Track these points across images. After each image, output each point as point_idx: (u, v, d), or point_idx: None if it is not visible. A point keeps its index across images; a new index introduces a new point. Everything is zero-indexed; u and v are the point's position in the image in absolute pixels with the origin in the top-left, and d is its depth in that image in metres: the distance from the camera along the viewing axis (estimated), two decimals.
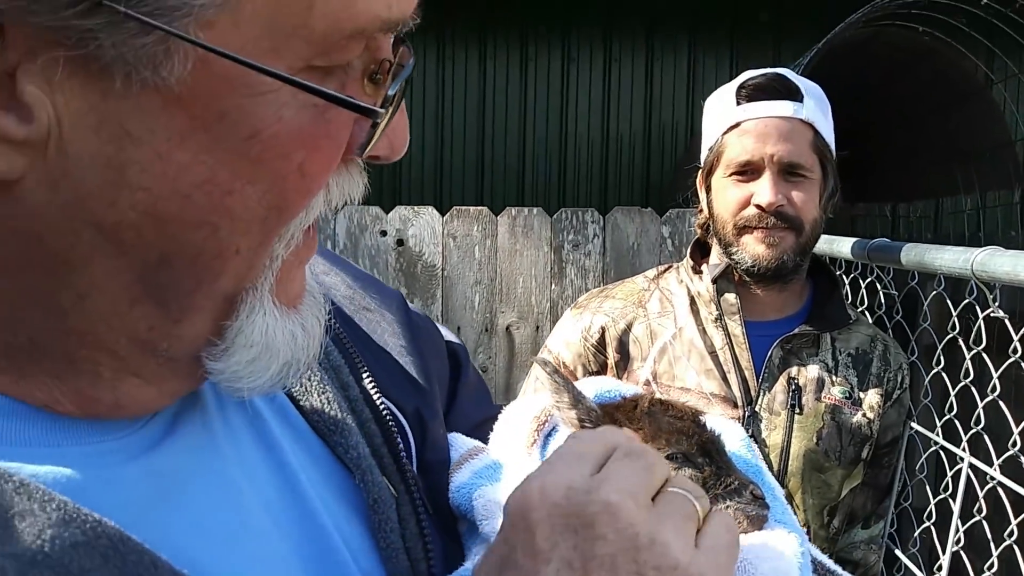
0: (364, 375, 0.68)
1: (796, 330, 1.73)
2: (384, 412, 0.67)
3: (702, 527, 0.53)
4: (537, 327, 3.27)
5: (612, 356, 1.76)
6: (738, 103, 1.72)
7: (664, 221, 3.25)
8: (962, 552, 1.65)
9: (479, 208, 3.17)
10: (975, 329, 1.59)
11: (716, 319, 1.75)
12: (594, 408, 0.77)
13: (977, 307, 1.58)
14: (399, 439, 0.67)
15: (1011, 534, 1.49)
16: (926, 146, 5.16)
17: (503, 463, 0.74)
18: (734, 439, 0.76)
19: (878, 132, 5.10)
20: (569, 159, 6.95)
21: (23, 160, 0.40)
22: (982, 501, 1.57)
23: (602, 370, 1.76)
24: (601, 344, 1.78)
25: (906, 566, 1.86)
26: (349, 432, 0.63)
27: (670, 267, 1.91)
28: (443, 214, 3.10)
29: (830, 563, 0.76)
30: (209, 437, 0.55)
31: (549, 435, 0.76)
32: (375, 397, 0.67)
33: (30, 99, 0.39)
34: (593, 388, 0.81)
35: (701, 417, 0.74)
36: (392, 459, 0.65)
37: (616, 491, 0.50)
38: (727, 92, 1.75)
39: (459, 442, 0.78)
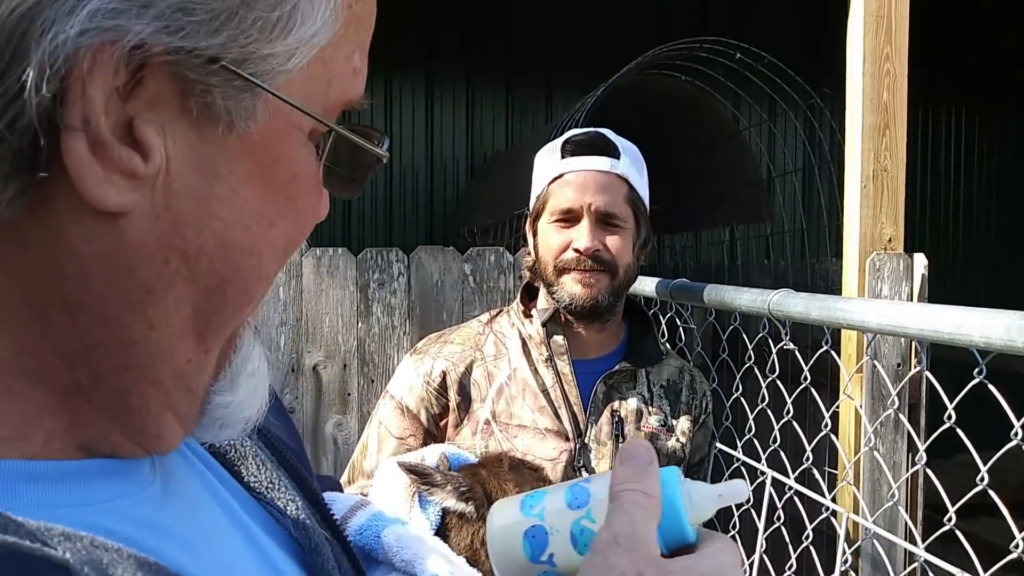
0: (271, 440, 0.73)
1: (616, 367, 1.90)
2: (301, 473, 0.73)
3: None
4: (344, 365, 3.29)
5: (453, 399, 1.85)
6: (562, 156, 1.87)
7: (466, 259, 3.36)
8: (765, 556, 1.87)
9: None
10: (770, 360, 1.82)
11: (547, 359, 1.88)
12: (460, 478, 0.90)
13: (770, 340, 1.81)
14: (317, 491, 0.73)
15: (807, 537, 1.72)
16: (689, 183, 5.63)
17: (392, 512, 0.84)
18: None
19: (649, 170, 5.51)
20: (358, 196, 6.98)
21: (136, 195, 0.44)
22: (781, 510, 1.80)
23: (444, 412, 1.85)
24: (443, 387, 1.86)
25: None
26: (286, 488, 0.68)
27: (501, 311, 2.02)
28: None
29: None
30: (178, 477, 0.57)
31: (420, 497, 0.88)
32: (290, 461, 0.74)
33: (149, 140, 0.43)
34: (438, 453, 0.94)
35: (544, 471, 0.92)
36: (318, 510, 0.72)
37: None
38: (554, 147, 1.90)
39: (339, 498, 0.86)
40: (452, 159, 7.37)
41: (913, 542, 1.50)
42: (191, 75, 0.43)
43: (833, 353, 1.68)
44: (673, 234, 7.12)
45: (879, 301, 1.44)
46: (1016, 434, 1.16)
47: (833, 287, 3.42)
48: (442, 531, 0.91)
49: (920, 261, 2.22)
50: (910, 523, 1.64)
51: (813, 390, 1.64)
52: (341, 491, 0.92)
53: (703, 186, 5.63)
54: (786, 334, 1.72)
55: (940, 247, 8.46)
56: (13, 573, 0.37)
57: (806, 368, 1.68)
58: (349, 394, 3.28)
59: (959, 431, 1.30)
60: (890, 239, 2.40)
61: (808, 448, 1.68)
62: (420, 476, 0.87)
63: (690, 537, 0.65)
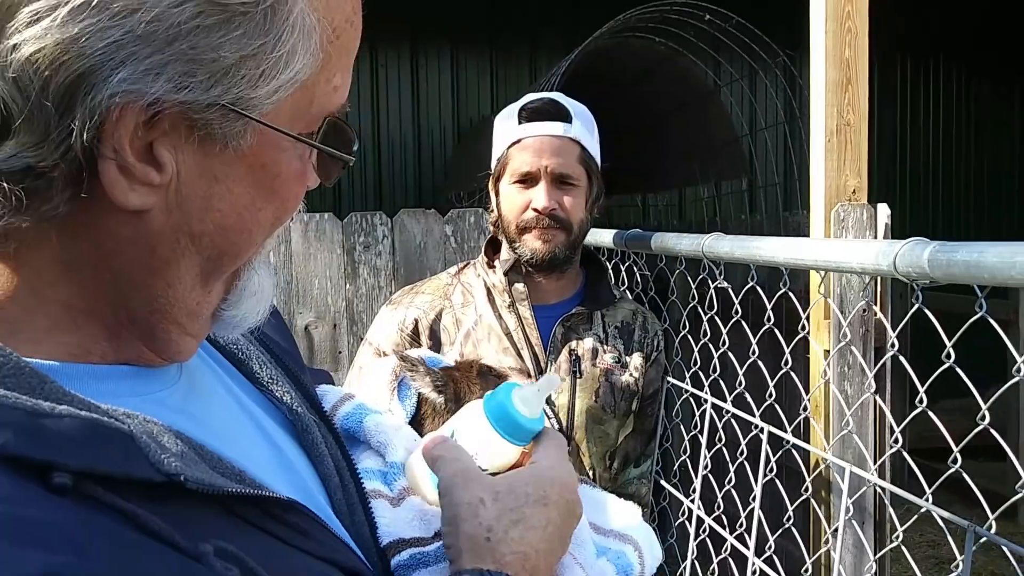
0: (268, 345, 0.93)
1: (574, 310, 2.09)
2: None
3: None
4: (335, 325, 3.45)
5: (425, 343, 2.03)
6: (519, 122, 2.04)
7: (447, 221, 3.50)
8: (709, 475, 2.07)
9: None
10: (707, 298, 2.01)
11: (509, 305, 2.06)
12: (437, 372, 1.09)
13: (710, 280, 1.99)
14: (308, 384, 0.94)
15: (742, 452, 1.91)
16: (668, 143, 5.76)
17: (375, 402, 1.04)
18: None
19: (627, 131, 5.65)
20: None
21: (155, 197, 0.62)
22: (722, 432, 1.99)
23: None
24: (415, 334, 2.05)
25: (670, 492, 2.27)
26: (282, 383, 0.89)
27: (468, 264, 2.20)
28: None
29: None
30: (198, 377, 0.78)
31: (399, 386, 1.07)
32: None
33: (164, 159, 0.61)
34: (417, 354, 1.14)
35: (511, 377, 1.10)
36: (308, 399, 0.92)
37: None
38: (511, 113, 2.07)
39: (330, 391, 1.05)
40: (439, 125, 7.50)
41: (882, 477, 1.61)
42: (194, 115, 0.60)
43: (791, 295, 1.80)
44: (656, 193, 7.26)
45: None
46: (1019, 370, 1.17)
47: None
48: (417, 419, 1.08)
49: (884, 211, 2.33)
50: (864, 449, 1.77)
51: (777, 331, 1.77)
52: (332, 383, 1.13)
53: (682, 145, 5.76)
54: (720, 274, 1.91)
55: (919, 196, 8.62)
56: (97, 440, 0.56)
57: (736, 303, 1.87)
58: (340, 352, 3.44)
59: (901, 358, 1.38)
60: (854, 191, 2.52)
61: (740, 373, 1.87)
62: (407, 362, 1.06)
63: (528, 425, 0.87)
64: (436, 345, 2.03)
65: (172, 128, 0.60)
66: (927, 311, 1.35)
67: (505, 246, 2.10)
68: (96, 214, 0.61)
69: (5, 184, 0.57)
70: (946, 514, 1.33)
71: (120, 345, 0.68)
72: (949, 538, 1.36)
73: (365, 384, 1.15)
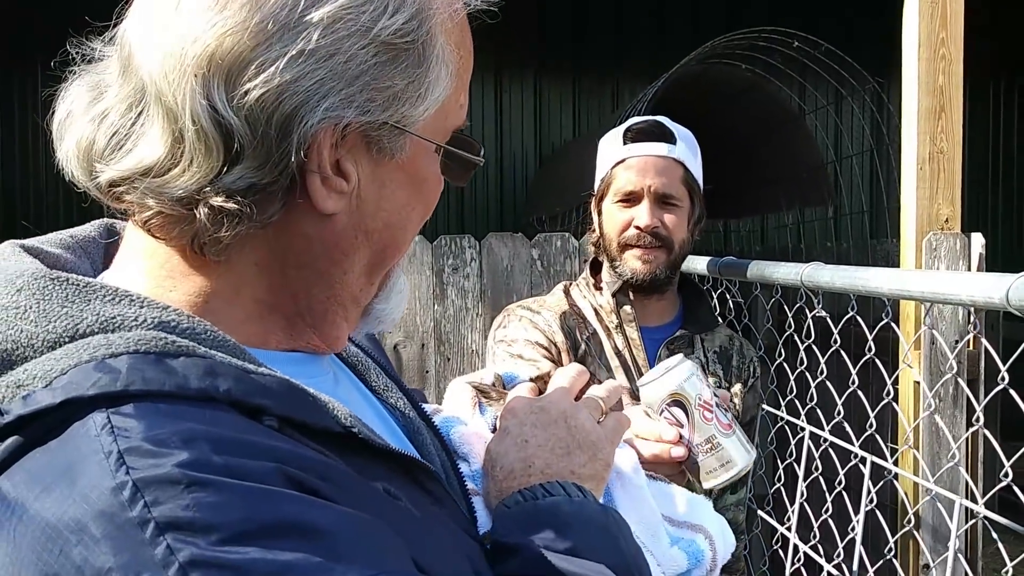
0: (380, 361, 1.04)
1: (677, 333, 2.11)
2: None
3: (603, 420, 0.97)
4: (423, 345, 3.51)
5: (563, 342, 2.05)
6: (624, 142, 2.08)
7: (534, 245, 3.53)
8: (806, 504, 2.06)
9: None
10: (805, 326, 2.01)
11: (617, 326, 2.09)
12: (506, 394, 1.18)
13: (806, 309, 2.00)
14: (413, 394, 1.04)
15: (840, 482, 1.91)
16: (752, 170, 5.72)
17: (459, 417, 1.11)
18: None
19: (711, 157, 5.63)
20: None
21: (342, 203, 0.75)
22: (819, 460, 1.99)
23: (559, 350, 2.05)
24: (556, 331, 2.06)
25: (763, 519, 2.27)
26: (395, 391, 0.99)
27: (571, 284, 2.23)
28: None
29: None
30: (346, 381, 0.91)
31: (480, 406, 1.15)
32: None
33: (349, 170, 0.74)
34: (492, 374, 1.23)
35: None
36: (415, 407, 1.01)
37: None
38: (616, 134, 2.11)
39: (425, 406, 1.14)
40: (521, 149, 7.58)
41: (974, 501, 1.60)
42: (371, 132, 0.74)
43: (894, 326, 1.79)
44: (739, 219, 7.20)
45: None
46: None
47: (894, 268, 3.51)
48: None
49: (978, 240, 2.30)
50: (970, 482, 1.75)
51: (878, 361, 1.77)
52: (426, 402, 1.21)
53: (766, 171, 5.72)
54: (818, 303, 1.91)
55: (1012, 225, 8.38)
56: (293, 395, 0.69)
57: (835, 332, 1.87)
58: (427, 371, 3.50)
59: (1012, 391, 1.36)
60: (947, 219, 2.48)
61: (839, 403, 1.87)
62: (480, 391, 1.14)
63: None
64: (574, 345, 2.05)
65: (355, 145, 0.74)
66: None
67: (606, 267, 2.14)
68: (297, 220, 0.75)
69: (240, 199, 0.70)
70: None
71: (293, 334, 0.80)
72: None
73: (447, 405, 1.22)
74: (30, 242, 0.78)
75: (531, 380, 1.21)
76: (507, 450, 0.93)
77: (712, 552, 1.01)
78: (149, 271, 0.76)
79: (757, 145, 5.55)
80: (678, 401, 1.20)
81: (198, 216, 0.70)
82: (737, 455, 1.21)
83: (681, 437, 1.20)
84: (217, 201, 0.69)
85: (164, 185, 0.70)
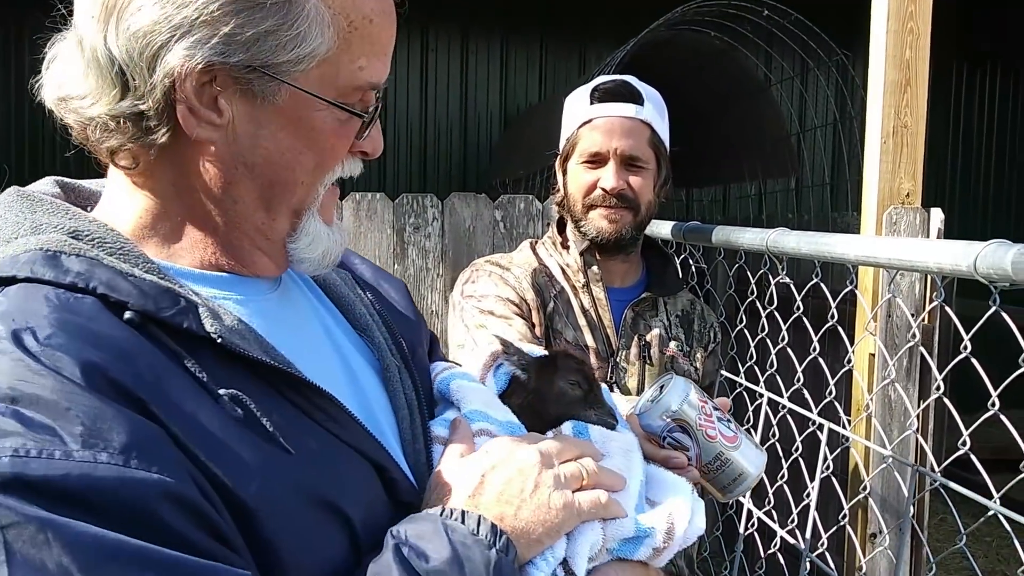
0: (377, 307, 1.11)
1: (643, 295, 2.09)
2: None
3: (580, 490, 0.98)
4: None
5: (533, 299, 2.02)
6: (591, 103, 2.04)
7: (497, 206, 3.50)
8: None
9: None
10: (768, 293, 2.00)
11: (584, 285, 2.08)
12: (525, 355, 1.17)
13: (770, 275, 1.99)
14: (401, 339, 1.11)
15: (797, 448, 1.91)
16: (716, 138, 5.72)
17: (468, 375, 1.18)
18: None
19: (676, 125, 5.61)
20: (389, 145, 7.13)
21: (217, 134, 0.87)
22: (776, 427, 1.99)
23: (529, 307, 2.01)
24: (527, 287, 2.03)
25: None
26: (381, 331, 1.07)
27: (536, 242, 2.21)
28: None
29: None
30: (294, 301, 1.01)
31: (498, 367, 1.21)
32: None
33: (223, 107, 0.86)
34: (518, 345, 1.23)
35: (588, 365, 1.24)
36: (399, 350, 1.09)
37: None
38: (583, 93, 2.07)
39: (439, 364, 1.21)
40: (486, 111, 7.51)
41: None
42: (237, 75, 0.85)
43: (858, 294, 1.77)
44: (701, 188, 7.21)
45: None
46: None
47: None
48: (506, 393, 1.20)
49: (937, 215, 2.31)
50: (928, 450, 1.76)
51: (840, 329, 1.76)
52: (437, 343, 1.31)
53: (731, 140, 5.72)
54: (782, 269, 1.90)
55: (969, 203, 8.50)
56: (165, 298, 0.82)
57: (799, 299, 1.86)
58: None
59: (974, 360, 1.38)
60: (908, 194, 2.49)
61: (799, 369, 1.87)
62: (505, 346, 1.20)
63: None
64: (543, 303, 2.02)
65: (226, 86, 0.86)
66: (1004, 314, 1.34)
67: (570, 227, 2.11)
68: (184, 146, 0.88)
69: (131, 124, 0.86)
70: (1017, 516, 1.33)
71: (216, 255, 0.93)
72: (1015, 541, 1.35)
73: (467, 362, 1.25)
74: (66, 180, 1.00)
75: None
76: (463, 474, 0.95)
77: (667, 532, 1.02)
78: (111, 193, 0.94)
79: (723, 114, 5.54)
80: (680, 426, 1.21)
81: (112, 138, 0.87)
82: (747, 464, 1.23)
83: (690, 460, 1.21)
84: (117, 123, 0.86)
85: (80, 108, 0.87)
